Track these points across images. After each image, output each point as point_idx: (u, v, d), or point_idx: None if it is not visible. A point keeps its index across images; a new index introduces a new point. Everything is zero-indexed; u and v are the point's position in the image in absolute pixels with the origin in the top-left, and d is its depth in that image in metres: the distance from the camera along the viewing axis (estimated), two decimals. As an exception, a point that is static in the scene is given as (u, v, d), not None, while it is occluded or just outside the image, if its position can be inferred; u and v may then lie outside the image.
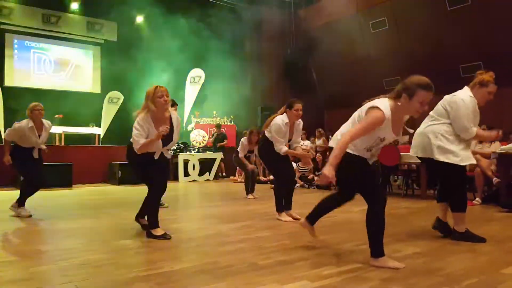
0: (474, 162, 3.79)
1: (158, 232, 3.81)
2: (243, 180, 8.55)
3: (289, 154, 4.93)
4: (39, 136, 5.22)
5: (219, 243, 3.62)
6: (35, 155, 5.26)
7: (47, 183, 5.52)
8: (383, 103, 2.83)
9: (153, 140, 3.71)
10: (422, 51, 10.83)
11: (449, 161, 3.62)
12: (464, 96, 3.73)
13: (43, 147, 5.37)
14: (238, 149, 7.68)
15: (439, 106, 3.87)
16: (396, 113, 2.86)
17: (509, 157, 5.93)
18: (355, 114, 3.04)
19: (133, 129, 3.73)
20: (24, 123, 5.15)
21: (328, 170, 2.70)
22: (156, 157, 3.89)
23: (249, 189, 7.23)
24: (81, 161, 9.60)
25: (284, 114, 4.86)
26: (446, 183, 3.85)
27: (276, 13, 14.09)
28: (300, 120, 4.97)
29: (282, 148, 4.81)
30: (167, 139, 3.84)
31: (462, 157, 3.63)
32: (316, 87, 14.65)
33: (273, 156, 4.91)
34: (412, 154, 4.02)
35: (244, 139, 7.68)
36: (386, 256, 2.88)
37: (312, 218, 3.46)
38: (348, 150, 2.91)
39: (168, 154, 4.15)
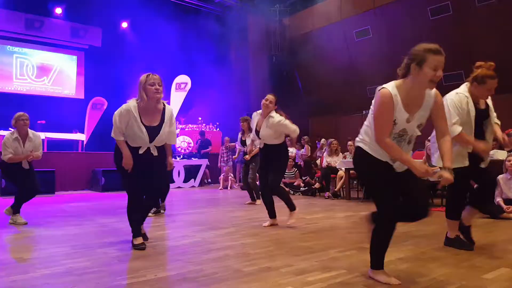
0: (462, 165, 3.48)
1: (136, 240, 3.65)
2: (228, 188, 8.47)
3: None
4: (24, 146, 5.09)
5: (204, 250, 3.60)
6: (25, 166, 5.14)
7: (40, 190, 5.39)
8: (389, 83, 2.57)
9: (124, 153, 3.52)
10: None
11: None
12: (449, 95, 3.56)
13: (38, 154, 5.19)
14: None
15: None
16: (407, 90, 2.52)
17: (490, 164, 6.04)
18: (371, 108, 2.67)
19: (114, 115, 3.57)
20: (8, 134, 5.10)
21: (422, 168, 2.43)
22: (141, 151, 3.59)
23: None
24: (64, 167, 9.47)
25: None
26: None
27: (261, 21, 14.18)
28: (274, 116, 4.77)
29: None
30: (153, 133, 3.58)
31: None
32: (301, 95, 14.74)
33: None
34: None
35: None
36: (382, 270, 2.68)
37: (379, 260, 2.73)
38: (361, 145, 2.66)
39: (156, 152, 3.68)
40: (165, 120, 3.68)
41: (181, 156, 11.66)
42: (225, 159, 10.99)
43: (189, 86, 13.23)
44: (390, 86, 2.53)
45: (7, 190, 8.58)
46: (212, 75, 12.85)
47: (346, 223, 5.29)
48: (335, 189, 8.33)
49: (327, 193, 8.45)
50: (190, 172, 11.42)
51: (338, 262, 3.17)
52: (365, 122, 2.73)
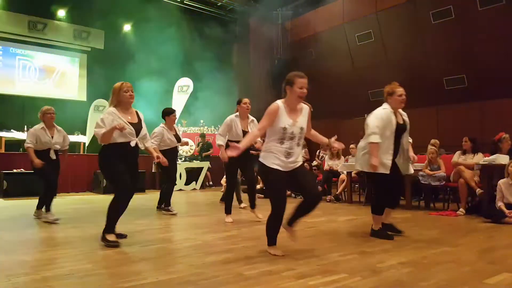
0: (383, 171, 4.17)
1: (111, 237, 3.90)
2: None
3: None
4: (52, 137, 5.53)
5: (205, 253, 3.60)
6: (52, 156, 5.54)
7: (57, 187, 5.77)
8: (278, 100, 3.52)
9: (112, 129, 3.84)
10: (407, 63, 11.00)
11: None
12: (376, 110, 4.35)
13: (63, 148, 5.75)
14: None
15: None
16: (287, 103, 3.49)
17: (492, 168, 6.04)
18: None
19: (96, 124, 3.95)
20: (36, 126, 5.54)
21: None
22: (133, 144, 4.01)
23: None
24: (65, 169, 9.45)
25: (237, 112, 5.48)
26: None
27: (263, 25, 14.20)
28: (253, 118, 5.50)
29: (219, 142, 5.39)
30: (137, 129, 4.08)
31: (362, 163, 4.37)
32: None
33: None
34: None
35: None
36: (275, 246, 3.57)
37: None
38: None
39: (141, 145, 4.25)
40: (142, 120, 4.24)
41: (183, 159, 11.67)
42: None
43: (191, 89, 13.23)
44: (279, 101, 3.50)
45: (9, 192, 8.62)
46: (214, 78, 12.86)
47: (347, 227, 5.29)
48: (337, 192, 8.32)
49: (329, 196, 8.44)
50: (192, 175, 11.43)
51: (340, 266, 3.17)
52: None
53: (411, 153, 4.56)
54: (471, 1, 9.60)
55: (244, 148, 3.35)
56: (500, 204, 5.53)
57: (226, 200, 5.64)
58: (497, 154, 6.10)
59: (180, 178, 11.08)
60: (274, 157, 3.44)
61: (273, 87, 14.43)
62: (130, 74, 12.23)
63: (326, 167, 8.85)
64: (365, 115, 4.63)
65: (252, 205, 5.74)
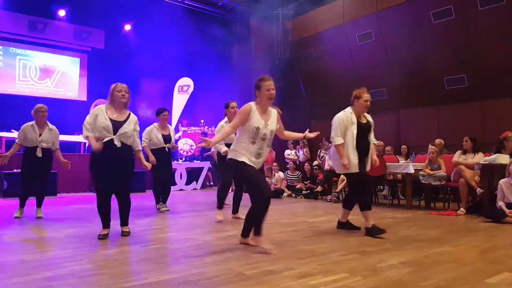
0: (353, 170, 4.47)
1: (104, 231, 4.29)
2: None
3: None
4: (40, 135, 5.61)
5: (206, 253, 3.60)
6: (38, 153, 5.60)
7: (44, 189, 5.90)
8: (250, 102, 3.76)
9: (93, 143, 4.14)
10: (407, 63, 10.99)
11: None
12: (338, 114, 4.63)
13: (55, 150, 5.87)
14: None
15: None
16: (259, 105, 3.73)
17: (492, 168, 6.04)
18: None
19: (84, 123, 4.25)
20: (28, 123, 5.66)
21: None
22: (105, 140, 4.17)
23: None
24: (65, 169, 9.46)
25: (225, 117, 5.64)
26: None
27: (264, 24, 14.19)
28: None
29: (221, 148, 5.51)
30: (116, 126, 4.22)
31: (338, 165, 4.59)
32: (303, 98, 14.74)
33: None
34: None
35: None
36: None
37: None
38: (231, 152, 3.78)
39: (119, 142, 4.26)
40: (131, 121, 4.35)
41: (183, 159, 11.67)
42: None
43: (191, 88, 13.24)
44: (251, 102, 3.74)
45: (9, 192, 8.61)
46: (215, 77, 12.86)
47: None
48: (337, 191, 8.32)
49: (329, 196, 8.44)
50: (192, 175, 11.42)
51: (340, 265, 3.17)
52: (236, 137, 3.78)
53: (374, 156, 4.76)
54: (472, 1, 9.58)
55: (215, 142, 3.68)
56: (500, 203, 5.53)
57: (219, 197, 5.68)
58: (497, 154, 6.10)
59: (181, 178, 11.08)
60: (244, 156, 3.66)
61: (274, 86, 14.43)
62: (130, 74, 12.22)
63: (326, 166, 8.84)
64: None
65: (236, 210, 5.88)
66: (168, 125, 6.74)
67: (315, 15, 13.57)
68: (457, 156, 6.82)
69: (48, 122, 5.76)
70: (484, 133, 9.14)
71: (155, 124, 6.58)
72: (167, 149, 6.58)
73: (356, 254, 3.54)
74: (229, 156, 3.78)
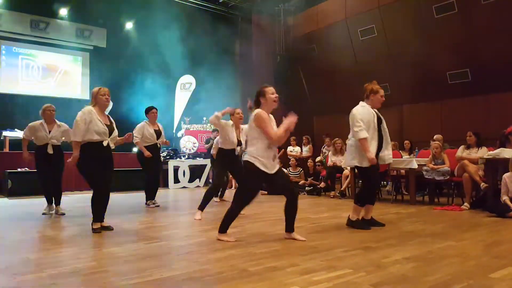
0: (366, 164, 4.49)
1: (96, 225, 4.46)
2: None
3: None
4: (49, 132, 5.78)
5: (209, 250, 3.61)
6: (49, 150, 5.76)
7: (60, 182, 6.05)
8: (258, 109, 3.88)
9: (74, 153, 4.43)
10: (410, 58, 10.95)
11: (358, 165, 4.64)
12: (355, 108, 4.68)
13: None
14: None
15: None
16: (266, 111, 3.89)
17: (496, 163, 6.01)
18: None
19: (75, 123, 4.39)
20: (36, 121, 5.86)
21: None
22: (105, 144, 4.47)
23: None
24: (69, 167, 9.46)
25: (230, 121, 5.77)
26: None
27: (265, 21, 14.16)
28: (243, 126, 5.74)
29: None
30: (110, 130, 4.53)
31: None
32: (305, 94, 14.72)
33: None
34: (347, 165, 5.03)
35: None
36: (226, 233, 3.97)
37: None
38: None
39: (112, 144, 4.66)
40: (113, 122, 4.68)
41: (186, 156, 11.68)
42: None
43: (193, 86, 13.23)
44: (260, 111, 3.85)
45: (13, 191, 8.65)
46: (217, 75, 12.85)
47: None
48: (341, 189, 8.31)
49: (333, 192, 8.44)
50: (195, 172, 11.44)
51: (344, 261, 3.16)
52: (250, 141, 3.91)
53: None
54: (474, -5, 9.55)
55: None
56: (505, 198, 5.51)
57: (206, 197, 5.62)
58: (501, 148, 6.07)
59: (184, 176, 11.10)
60: (262, 163, 3.78)
61: (276, 83, 14.42)
62: (132, 71, 12.24)
63: (329, 163, 8.83)
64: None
65: None
66: (157, 122, 6.92)
67: (316, 10, 13.54)
68: (461, 151, 6.80)
69: (56, 120, 5.93)
70: (487, 127, 9.09)
71: (145, 121, 6.79)
72: (158, 145, 6.78)
73: (359, 250, 3.54)
74: (246, 159, 3.87)
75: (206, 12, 13.58)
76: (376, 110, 4.73)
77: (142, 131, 6.61)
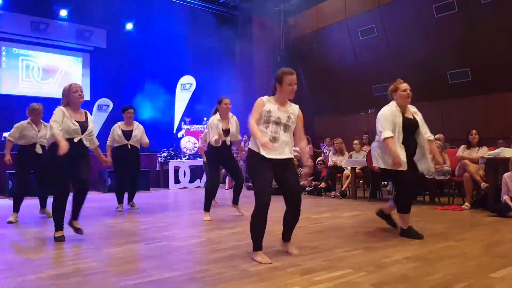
0: (402, 168, 3.96)
1: (58, 234, 4.10)
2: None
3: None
4: (39, 131, 5.56)
5: (210, 250, 3.61)
6: (38, 150, 5.53)
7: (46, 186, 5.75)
8: (264, 97, 3.48)
9: (60, 142, 3.91)
10: (410, 58, 10.95)
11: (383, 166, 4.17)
12: (383, 109, 4.22)
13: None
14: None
15: None
16: (276, 99, 3.44)
17: (497, 162, 6.01)
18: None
19: (51, 122, 4.10)
20: (22, 121, 5.58)
21: None
22: (75, 140, 4.17)
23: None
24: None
25: (217, 113, 5.53)
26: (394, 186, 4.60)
27: (265, 21, 14.16)
28: (233, 115, 5.64)
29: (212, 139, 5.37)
30: (83, 127, 4.25)
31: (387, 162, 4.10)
32: (306, 94, 14.72)
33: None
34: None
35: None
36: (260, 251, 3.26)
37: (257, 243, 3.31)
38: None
39: (89, 143, 4.40)
40: (88, 118, 4.41)
41: (187, 157, 11.68)
42: None
43: (194, 86, 13.22)
44: (264, 97, 3.46)
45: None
46: (217, 75, 12.85)
47: (352, 222, 5.27)
48: (342, 189, 8.30)
49: (333, 192, 8.43)
50: (196, 173, 11.44)
51: (345, 261, 3.16)
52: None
53: (438, 157, 4.27)
54: (474, -6, 9.55)
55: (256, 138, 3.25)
56: (505, 197, 5.50)
57: (206, 197, 5.59)
58: (501, 148, 6.06)
59: (184, 176, 11.10)
60: (256, 144, 3.30)
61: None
62: (132, 72, 12.24)
63: (330, 163, 8.83)
64: (369, 110, 4.67)
65: (235, 201, 5.95)
66: (134, 122, 6.67)
67: (317, 11, 13.56)
68: (461, 151, 6.79)
69: (42, 121, 5.68)
70: (488, 127, 9.09)
71: (118, 122, 6.63)
72: (129, 146, 6.49)
73: (360, 250, 3.54)
74: (249, 146, 3.46)
75: (206, 13, 13.59)
76: (414, 112, 4.34)
77: (112, 133, 6.51)
